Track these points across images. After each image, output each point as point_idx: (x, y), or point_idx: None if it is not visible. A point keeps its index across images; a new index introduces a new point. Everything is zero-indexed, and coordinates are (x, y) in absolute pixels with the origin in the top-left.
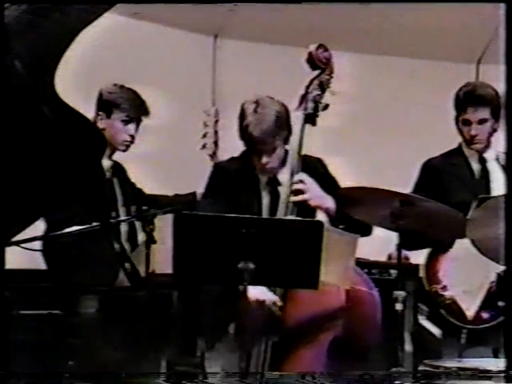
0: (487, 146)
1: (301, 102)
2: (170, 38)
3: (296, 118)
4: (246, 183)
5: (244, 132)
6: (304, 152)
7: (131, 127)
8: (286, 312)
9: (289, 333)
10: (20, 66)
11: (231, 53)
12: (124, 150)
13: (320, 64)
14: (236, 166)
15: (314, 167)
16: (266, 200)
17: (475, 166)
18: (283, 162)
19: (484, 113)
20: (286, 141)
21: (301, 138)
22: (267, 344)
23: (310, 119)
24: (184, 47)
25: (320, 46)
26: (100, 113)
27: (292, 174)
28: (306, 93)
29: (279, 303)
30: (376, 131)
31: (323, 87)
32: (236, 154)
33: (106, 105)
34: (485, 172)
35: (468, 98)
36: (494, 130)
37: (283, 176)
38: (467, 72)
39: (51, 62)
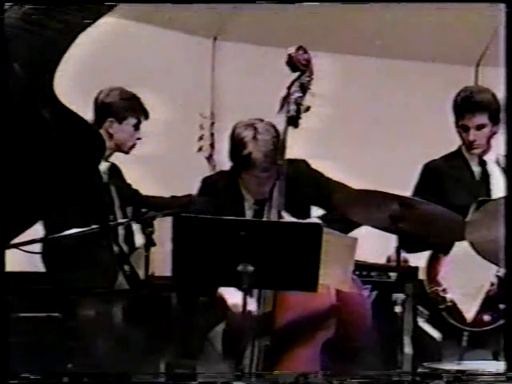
0: (487, 148)
1: (282, 105)
2: (170, 40)
3: (279, 120)
4: (231, 200)
5: (245, 159)
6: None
7: (139, 131)
8: (277, 314)
9: (281, 335)
10: (19, 69)
11: (230, 55)
12: (127, 152)
13: (300, 66)
14: (224, 181)
15: (298, 169)
16: (249, 215)
17: (475, 169)
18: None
19: (482, 118)
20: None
21: (284, 140)
22: (260, 346)
23: (293, 121)
24: (183, 49)
25: (299, 47)
26: (111, 119)
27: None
28: (288, 94)
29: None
30: (376, 134)
31: (304, 89)
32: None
33: (118, 111)
34: (485, 174)
35: (465, 104)
36: (494, 133)
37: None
38: (466, 74)
39: (50, 64)
